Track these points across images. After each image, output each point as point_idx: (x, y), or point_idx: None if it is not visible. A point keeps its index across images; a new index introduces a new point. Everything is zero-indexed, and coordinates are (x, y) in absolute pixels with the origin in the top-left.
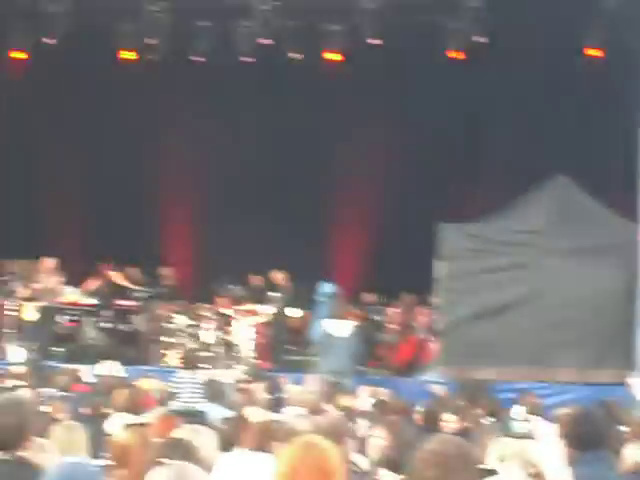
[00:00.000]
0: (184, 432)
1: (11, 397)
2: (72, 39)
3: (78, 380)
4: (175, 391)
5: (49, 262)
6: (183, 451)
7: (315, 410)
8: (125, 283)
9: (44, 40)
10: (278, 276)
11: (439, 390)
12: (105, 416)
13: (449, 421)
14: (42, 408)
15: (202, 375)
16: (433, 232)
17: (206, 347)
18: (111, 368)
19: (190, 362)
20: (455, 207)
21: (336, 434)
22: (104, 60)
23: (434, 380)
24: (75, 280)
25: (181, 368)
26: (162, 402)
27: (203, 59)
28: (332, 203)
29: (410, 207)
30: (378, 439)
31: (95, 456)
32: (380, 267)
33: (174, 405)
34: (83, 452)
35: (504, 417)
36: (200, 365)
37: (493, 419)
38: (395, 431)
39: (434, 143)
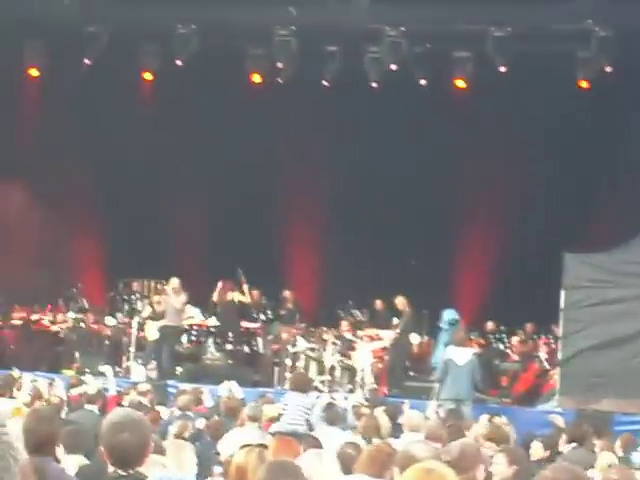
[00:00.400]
0: (305, 455)
1: (131, 415)
2: (200, 60)
3: (198, 400)
4: (284, 413)
5: (174, 282)
6: (293, 474)
7: (435, 436)
8: (248, 305)
9: (173, 61)
10: (400, 301)
11: (559, 420)
12: (220, 436)
13: (567, 450)
14: (161, 426)
15: (314, 398)
16: (558, 262)
17: (327, 371)
18: (230, 389)
19: (300, 384)
20: (580, 238)
21: (468, 460)
22: (232, 82)
23: (553, 410)
24: (199, 301)
25: (292, 390)
26: (278, 424)
27: (331, 83)
28: (457, 232)
29: (535, 236)
30: (499, 466)
31: (204, 475)
32: (503, 295)
33: (284, 427)
34: (192, 470)
35: (625, 449)
36: (312, 388)
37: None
38: (515, 458)
39: (560, 173)
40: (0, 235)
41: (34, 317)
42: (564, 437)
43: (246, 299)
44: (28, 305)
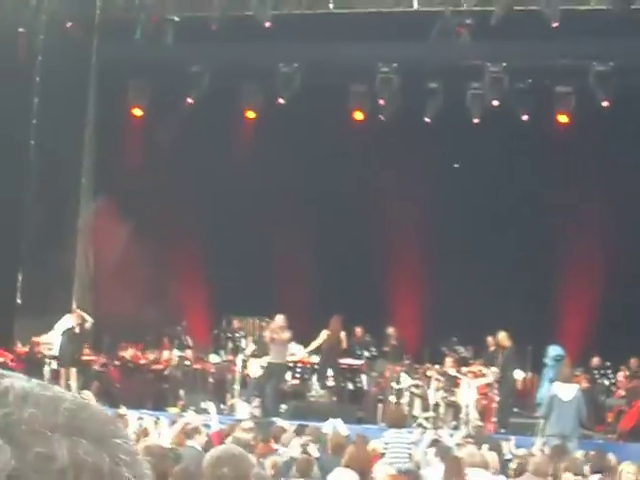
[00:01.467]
0: None
1: (231, 450)
2: (302, 98)
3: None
4: (385, 451)
5: (279, 319)
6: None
7: (541, 472)
8: (352, 342)
9: (276, 99)
10: (503, 337)
11: None
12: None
13: None
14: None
15: (417, 434)
16: None
17: (431, 407)
18: (335, 426)
19: (397, 420)
20: None
21: None
22: (334, 119)
23: None
24: (302, 338)
25: (390, 427)
26: (384, 461)
27: (433, 120)
28: (561, 266)
29: (638, 268)
30: None
31: None
32: (608, 330)
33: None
34: None
35: None
36: (409, 422)
37: None
38: None
39: None
40: (107, 273)
41: (139, 355)
42: None
43: (343, 345)
44: (134, 343)
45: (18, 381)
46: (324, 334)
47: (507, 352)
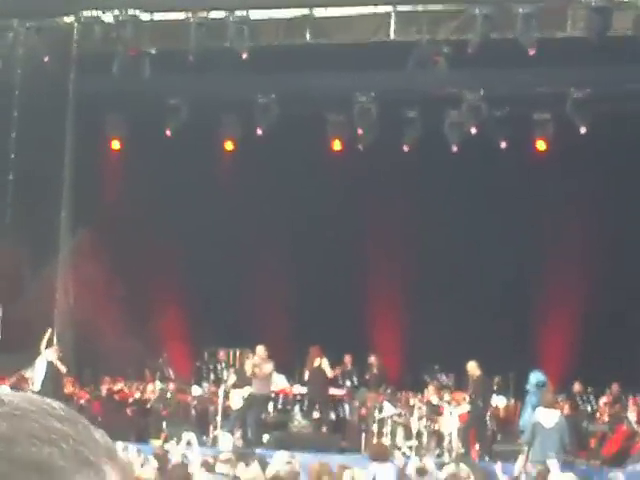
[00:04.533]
0: None
1: None
2: (281, 129)
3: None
4: None
5: (260, 351)
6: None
7: None
8: (334, 371)
9: (254, 130)
10: (471, 366)
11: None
12: None
13: None
14: None
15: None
16: None
17: (414, 436)
18: (318, 456)
19: (380, 454)
20: None
21: None
22: (312, 149)
23: None
24: (284, 368)
25: (373, 460)
26: None
27: (411, 148)
28: (540, 294)
29: (622, 295)
30: None
31: None
32: (590, 356)
33: None
34: None
35: None
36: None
37: None
38: None
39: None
40: (87, 307)
41: (121, 388)
42: None
43: (329, 372)
44: (115, 376)
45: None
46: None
47: (477, 381)
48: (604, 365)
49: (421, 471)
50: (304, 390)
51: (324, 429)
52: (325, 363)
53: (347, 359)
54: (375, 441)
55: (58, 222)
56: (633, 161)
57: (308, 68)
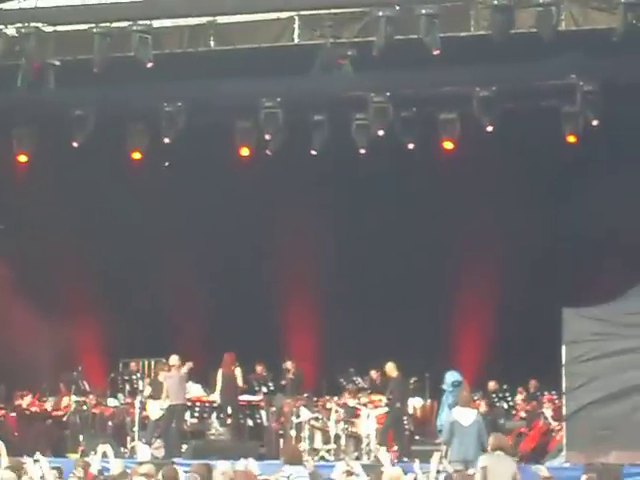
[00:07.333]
0: None
1: None
2: (188, 137)
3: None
4: None
5: (173, 359)
6: None
7: None
8: (250, 379)
9: (161, 139)
10: (389, 367)
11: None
12: None
13: None
14: None
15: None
16: (558, 317)
17: (332, 439)
18: (246, 465)
19: (295, 457)
20: (579, 291)
21: None
22: (221, 156)
23: (562, 466)
24: (199, 376)
25: (288, 464)
26: None
27: (319, 152)
28: (454, 294)
29: (533, 293)
30: None
31: None
32: (505, 354)
33: None
34: None
35: None
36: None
37: None
38: None
39: (553, 228)
40: None
41: (35, 402)
42: None
43: (240, 381)
44: (29, 390)
45: None
46: (220, 374)
47: (394, 382)
48: (519, 363)
49: (348, 473)
50: (220, 398)
51: (242, 436)
52: (238, 371)
53: (259, 368)
54: (289, 445)
55: None
56: (539, 156)
57: (213, 75)
